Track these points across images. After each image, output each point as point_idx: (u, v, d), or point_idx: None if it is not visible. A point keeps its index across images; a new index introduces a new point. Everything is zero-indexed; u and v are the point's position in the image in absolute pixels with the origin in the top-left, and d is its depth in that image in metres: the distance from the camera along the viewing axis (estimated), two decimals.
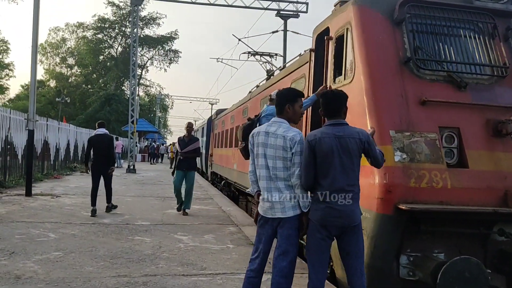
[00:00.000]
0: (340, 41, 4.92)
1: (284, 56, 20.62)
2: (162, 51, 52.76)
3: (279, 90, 3.48)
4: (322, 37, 5.48)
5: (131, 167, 21.12)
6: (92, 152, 8.57)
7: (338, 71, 5.02)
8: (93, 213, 8.00)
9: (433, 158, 3.98)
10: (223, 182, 15.19)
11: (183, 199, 8.72)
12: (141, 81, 51.15)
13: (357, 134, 3.08)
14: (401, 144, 3.96)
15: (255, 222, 3.48)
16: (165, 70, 67.42)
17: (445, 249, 4.01)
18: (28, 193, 10.36)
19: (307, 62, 6.02)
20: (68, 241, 5.84)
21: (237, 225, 7.72)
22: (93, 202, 8.15)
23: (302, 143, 3.14)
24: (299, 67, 6.64)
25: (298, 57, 8.00)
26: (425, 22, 4.57)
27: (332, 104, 3.22)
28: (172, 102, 63.40)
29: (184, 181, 8.72)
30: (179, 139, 8.93)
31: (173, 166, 26.56)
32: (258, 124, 5.33)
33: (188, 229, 7.13)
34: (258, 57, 16.08)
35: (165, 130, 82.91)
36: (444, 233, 3.98)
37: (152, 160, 35.91)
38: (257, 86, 11.88)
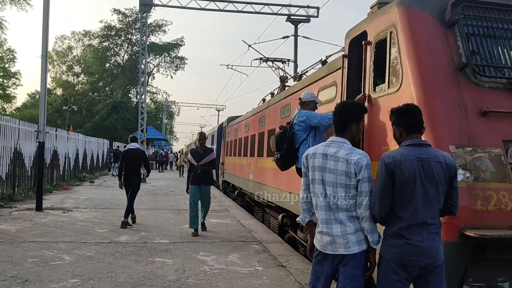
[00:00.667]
0: (381, 46, 4.47)
1: (295, 62, 20.20)
2: (168, 58, 52.58)
3: (339, 103, 3.01)
4: (356, 41, 5.04)
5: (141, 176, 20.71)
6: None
7: (378, 78, 4.58)
8: (123, 225, 8.20)
9: (499, 176, 3.52)
10: (236, 191, 14.75)
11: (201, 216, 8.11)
12: (148, 88, 50.88)
13: (443, 158, 2.61)
14: (463, 161, 3.50)
15: (309, 256, 3.02)
16: (171, 77, 67.28)
17: (510, 277, 3.56)
18: (39, 208, 9.97)
19: (339, 68, 5.57)
20: (85, 265, 5.42)
21: (260, 242, 7.26)
22: (126, 215, 8.38)
23: (369, 168, 2.67)
24: (329, 74, 6.18)
25: (319, 63, 7.59)
26: (481, 24, 4.11)
27: (415, 119, 2.75)
28: (179, 109, 63.15)
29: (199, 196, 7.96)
30: (193, 151, 8.42)
31: (181, 174, 25.71)
32: (291, 132, 4.86)
33: (210, 247, 6.69)
34: (270, 63, 15.67)
35: (171, 136, 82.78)
36: (508, 260, 3.54)
37: (160, 168, 35.64)
38: (272, 94, 11.46)
